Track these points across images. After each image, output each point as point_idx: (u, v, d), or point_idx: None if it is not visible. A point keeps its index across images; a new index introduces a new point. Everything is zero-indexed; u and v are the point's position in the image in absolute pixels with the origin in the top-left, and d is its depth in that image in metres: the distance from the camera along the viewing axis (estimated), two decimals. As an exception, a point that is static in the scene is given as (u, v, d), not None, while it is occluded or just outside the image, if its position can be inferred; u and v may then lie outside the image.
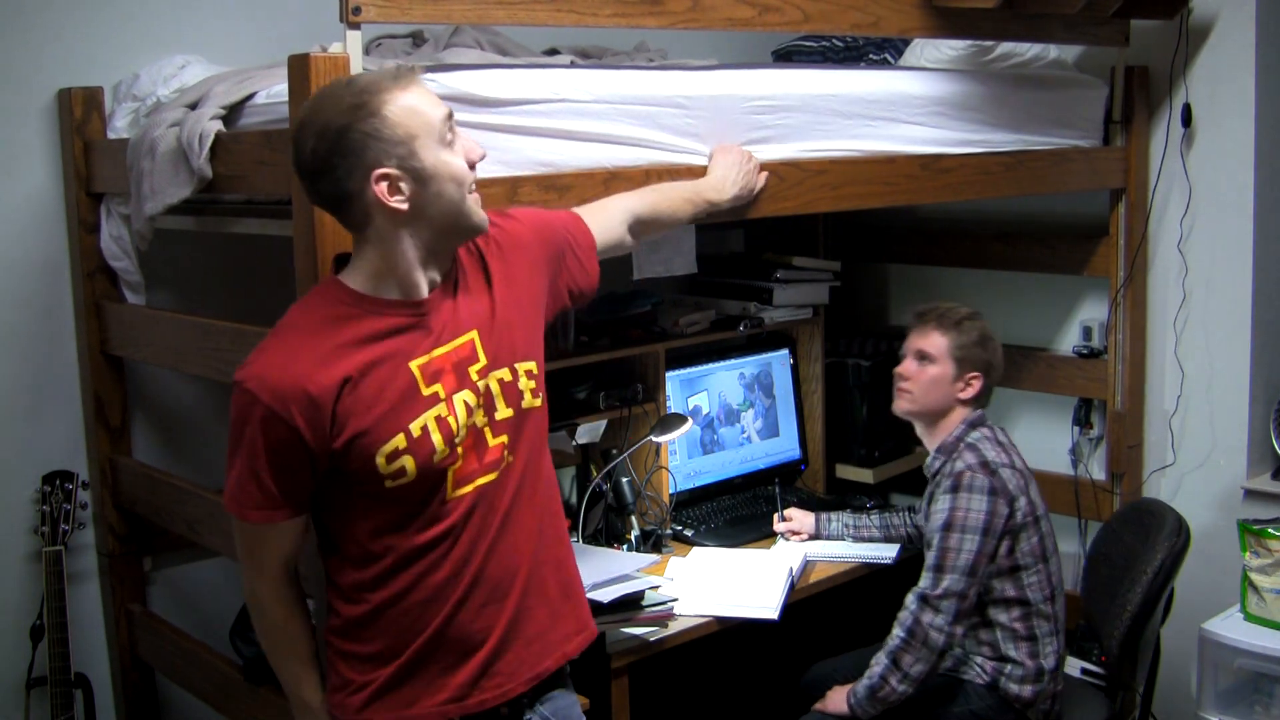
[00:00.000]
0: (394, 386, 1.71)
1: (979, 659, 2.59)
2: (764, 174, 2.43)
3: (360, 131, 1.62)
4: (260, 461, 1.68)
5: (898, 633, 2.51)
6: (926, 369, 2.65)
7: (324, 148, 1.63)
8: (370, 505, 1.73)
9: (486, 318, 1.82)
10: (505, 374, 1.82)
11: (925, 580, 2.51)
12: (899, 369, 2.70)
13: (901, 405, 2.70)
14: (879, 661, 2.51)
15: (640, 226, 2.21)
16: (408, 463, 1.70)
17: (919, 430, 2.74)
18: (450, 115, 1.71)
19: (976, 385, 2.65)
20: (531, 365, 1.86)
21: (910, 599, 2.52)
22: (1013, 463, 2.60)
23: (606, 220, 2.12)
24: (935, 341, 2.65)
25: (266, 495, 1.70)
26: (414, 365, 1.73)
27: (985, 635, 2.59)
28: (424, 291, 1.76)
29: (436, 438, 1.72)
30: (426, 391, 1.73)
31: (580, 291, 2.05)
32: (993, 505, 2.50)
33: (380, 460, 1.69)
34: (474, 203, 1.74)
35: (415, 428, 1.71)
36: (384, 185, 1.64)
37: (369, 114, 1.63)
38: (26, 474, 2.68)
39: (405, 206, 1.67)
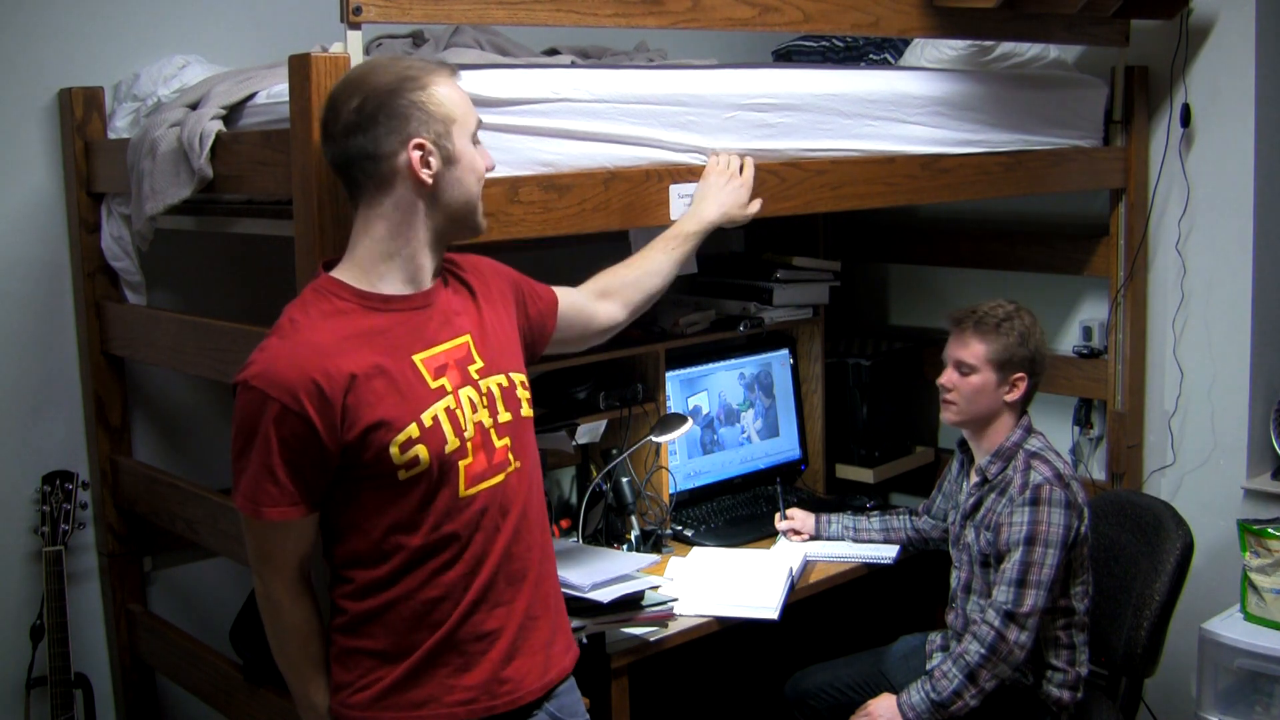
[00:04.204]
0: (402, 379, 1.73)
1: (1022, 665, 2.58)
2: (755, 202, 2.40)
3: (408, 99, 1.72)
4: (275, 458, 1.68)
5: (977, 649, 2.45)
6: (968, 379, 2.59)
7: (370, 107, 1.71)
8: (383, 500, 1.74)
9: (477, 324, 1.87)
10: (503, 380, 1.86)
11: (1007, 595, 2.45)
12: (941, 380, 2.64)
13: (948, 417, 2.64)
14: (950, 675, 2.46)
15: (615, 294, 2.21)
16: (421, 452, 1.72)
17: (967, 435, 2.69)
18: (480, 123, 1.83)
19: (1022, 386, 2.60)
20: (524, 378, 1.92)
21: (992, 615, 2.46)
22: (1076, 473, 2.60)
23: (566, 290, 2.15)
24: (974, 350, 2.59)
25: (283, 492, 1.70)
26: (417, 359, 1.76)
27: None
28: (427, 279, 1.80)
29: (447, 429, 1.75)
30: (434, 385, 1.76)
31: (534, 340, 2.07)
32: (1069, 518, 2.48)
33: (394, 450, 1.70)
34: (481, 204, 1.83)
35: (427, 418, 1.73)
36: (418, 154, 1.72)
37: (418, 87, 1.73)
38: (26, 474, 2.68)
39: (430, 181, 1.73)
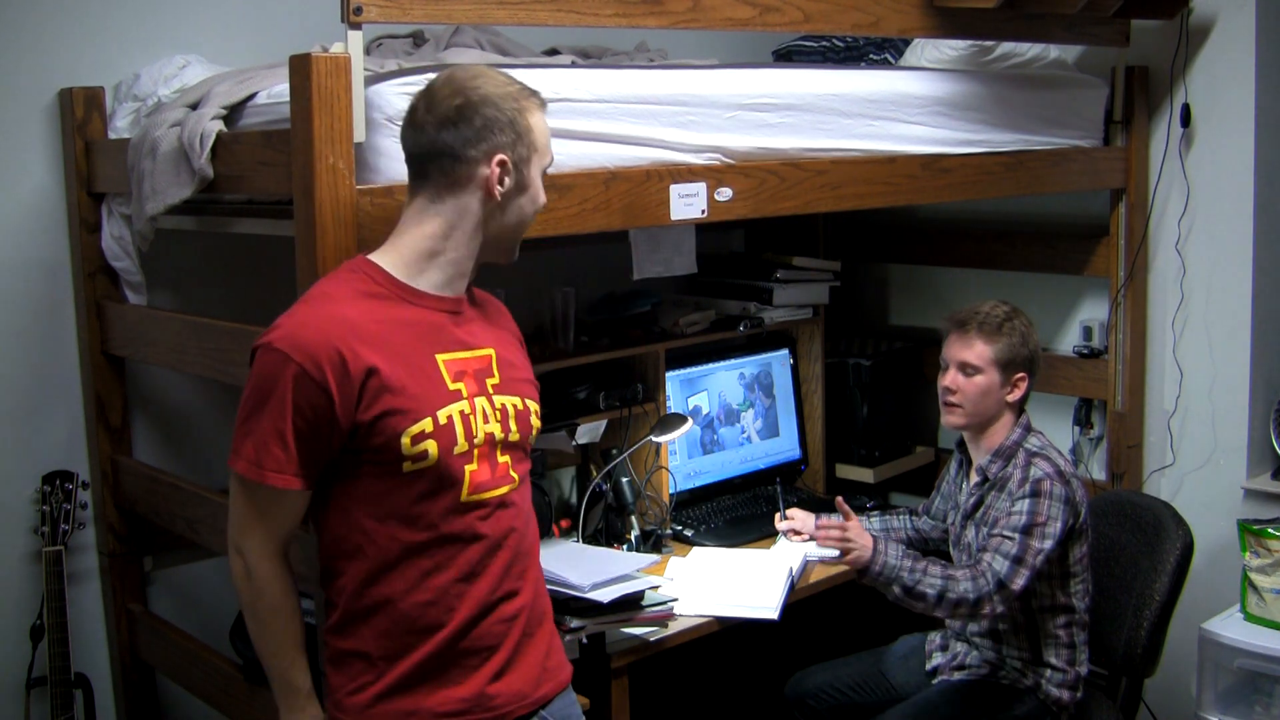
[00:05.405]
0: (423, 373, 1.75)
1: (1019, 664, 2.57)
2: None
3: (511, 114, 1.77)
4: (286, 423, 1.68)
5: (966, 589, 2.43)
6: (973, 380, 2.58)
7: (469, 109, 1.74)
8: (382, 489, 1.74)
9: (496, 343, 1.89)
10: (518, 403, 1.88)
11: (1005, 567, 2.44)
12: (945, 382, 2.62)
13: (954, 421, 2.62)
14: (932, 584, 2.43)
15: None
16: (431, 447, 1.73)
17: (967, 436, 2.68)
18: (551, 163, 1.88)
19: (1023, 387, 2.60)
20: (538, 408, 1.94)
21: (992, 575, 2.43)
22: (1076, 470, 2.59)
23: None
24: (978, 350, 2.58)
25: (289, 459, 1.70)
26: (440, 359, 1.78)
27: (1029, 641, 2.57)
28: (462, 288, 1.84)
29: (459, 431, 1.76)
30: (452, 386, 1.78)
31: None
32: (1066, 513, 2.49)
33: (406, 440, 1.71)
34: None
35: (442, 416, 1.74)
36: (499, 170, 1.76)
37: (522, 111, 1.78)
38: (26, 474, 2.68)
39: (499, 198, 1.78)
